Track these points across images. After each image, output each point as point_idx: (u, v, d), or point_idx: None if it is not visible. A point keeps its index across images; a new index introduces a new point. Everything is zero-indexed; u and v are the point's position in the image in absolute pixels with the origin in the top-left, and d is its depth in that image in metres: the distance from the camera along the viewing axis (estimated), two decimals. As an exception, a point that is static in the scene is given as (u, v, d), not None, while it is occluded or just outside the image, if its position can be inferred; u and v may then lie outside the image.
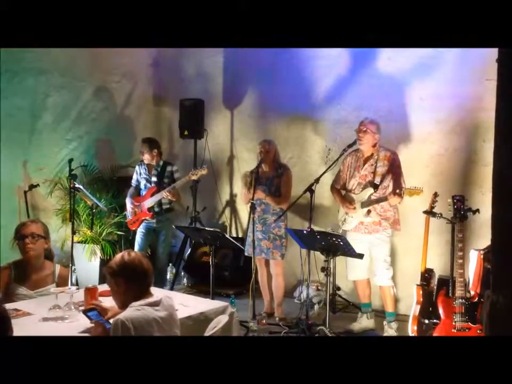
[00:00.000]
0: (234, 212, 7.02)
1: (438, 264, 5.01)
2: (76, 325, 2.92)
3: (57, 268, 3.79)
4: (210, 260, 5.11)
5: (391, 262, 5.04)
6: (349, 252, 4.57)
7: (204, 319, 3.09)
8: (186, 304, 3.29)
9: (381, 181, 4.88)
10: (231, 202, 7.04)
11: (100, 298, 3.17)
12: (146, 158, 5.98)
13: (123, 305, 2.61)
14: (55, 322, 2.97)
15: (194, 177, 5.80)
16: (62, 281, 3.68)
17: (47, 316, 3.04)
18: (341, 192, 5.18)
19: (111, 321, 2.61)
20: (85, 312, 2.81)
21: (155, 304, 2.60)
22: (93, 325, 2.76)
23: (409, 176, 5.21)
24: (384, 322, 5.05)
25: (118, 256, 2.69)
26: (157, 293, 2.74)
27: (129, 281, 2.62)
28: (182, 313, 3.10)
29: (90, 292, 3.17)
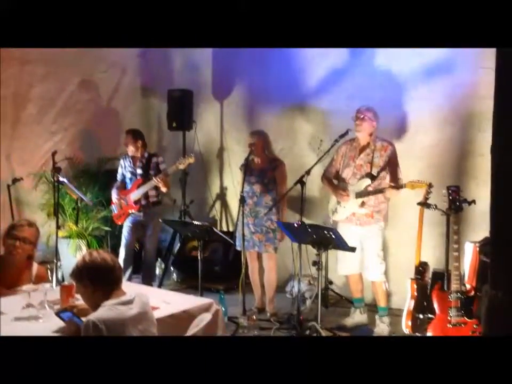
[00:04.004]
0: (224, 205, 6.87)
1: (432, 256, 4.88)
2: (50, 325, 2.76)
3: (35, 267, 3.64)
4: (199, 255, 5.00)
5: (383, 257, 4.90)
6: (341, 245, 4.44)
7: (186, 317, 2.93)
8: (168, 302, 3.14)
9: (378, 172, 4.74)
10: (222, 196, 6.89)
11: (77, 296, 3.01)
12: (131, 149, 5.82)
13: (95, 306, 2.48)
14: (28, 322, 2.82)
15: (181, 166, 5.64)
16: (39, 281, 3.52)
17: (19, 315, 2.89)
18: (333, 181, 5.04)
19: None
20: (57, 313, 2.66)
21: (128, 302, 2.47)
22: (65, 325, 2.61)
23: (403, 167, 5.08)
24: (376, 317, 4.93)
25: (80, 258, 2.61)
26: (131, 290, 2.59)
27: (94, 281, 2.53)
28: (164, 311, 2.96)
29: (66, 290, 3.01)
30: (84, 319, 2.45)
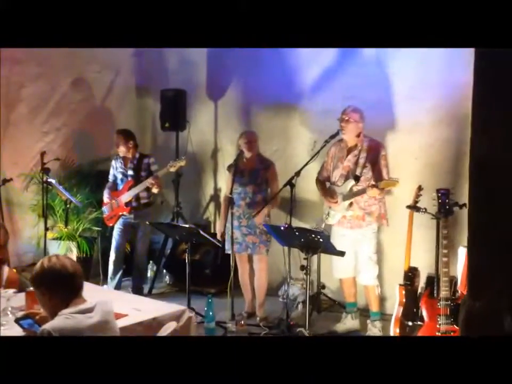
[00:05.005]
0: (218, 207, 6.74)
1: (427, 261, 4.74)
2: (13, 332, 2.65)
3: (5, 271, 3.52)
4: (186, 258, 4.94)
5: (376, 260, 4.77)
6: (329, 249, 4.34)
7: (156, 325, 2.82)
8: (139, 309, 3.03)
9: (362, 172, 4.63)
10: (215, 197, 6.77)
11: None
12: (122, 150, 5.75)
13: (53, 314, 2.36)
14: (-10, 329, 2.72)
15: (172, 169, 5.56)
16: (10, 285, 3.39)
17: (-20, 322, 2.79)
18: (325, 184, 4.94)
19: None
20: (17, 320, 2.55)
21: (87, 311, 2.35)
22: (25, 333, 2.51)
23: (397, 168, 4.97)
24: (368, 321, 4.81)
25: (38, 263, 2.46)
26: (93, 297, 2.47)
27: (52, 288, 2.39)
28: (132, 318, 2.85)
29: (32, 296, 2.89)
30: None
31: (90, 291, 2.59)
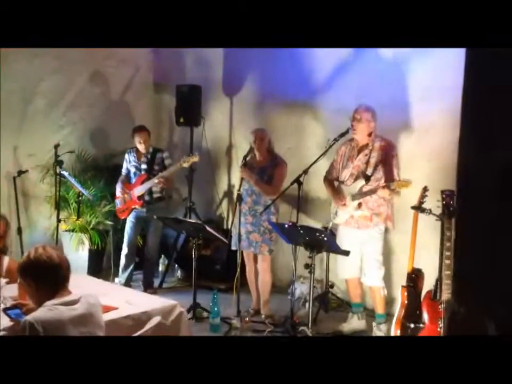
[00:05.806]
0: (231, 203, 6.75)
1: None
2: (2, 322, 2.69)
3: (6, 261, 3.57)
4: (193, 253, 4.96)
5: (382, 261, 4.72)
6: (333, 248, 4.31)
7: (146, 319, 2.82)
8: (130, 302, 3.04)
9: (374, 172, 4.57)
10: (229, 194, 6.78)
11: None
12: (144, 146, 5.77)
13: (39, 305, 2.39)
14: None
15: (185, 165, 5.58)
16: (10, 275, 3.44)
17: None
18: (334, 183, 4.89)
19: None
20: (5, 310, 2.59)
21: (71, 303, 2.37)
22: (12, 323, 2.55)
23: (410, 169, 4.90)
24: (374, 324, 4.76)
25: (25, 254, 2.50)
26: (79, 289, 2.49)
27: (38, 279, 2.42)
28: (122, 312, 2.86)
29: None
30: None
31: (86, 284, 2.61)
